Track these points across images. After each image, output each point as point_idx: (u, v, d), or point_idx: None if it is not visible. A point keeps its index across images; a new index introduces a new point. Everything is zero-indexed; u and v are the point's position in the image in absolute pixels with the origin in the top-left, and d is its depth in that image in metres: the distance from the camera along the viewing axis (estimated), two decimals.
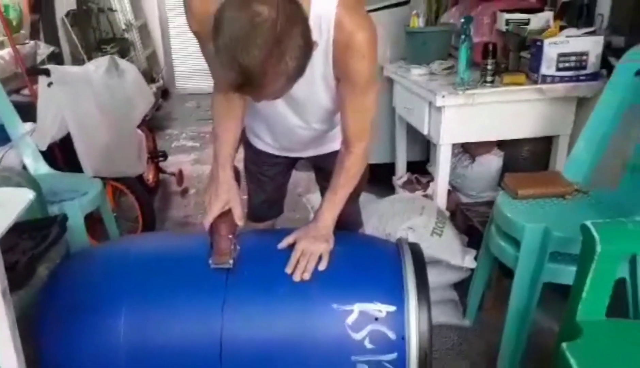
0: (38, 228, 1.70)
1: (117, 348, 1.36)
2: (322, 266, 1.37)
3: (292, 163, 1.74)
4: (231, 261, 1.37)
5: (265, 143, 1.63)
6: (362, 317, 1.35)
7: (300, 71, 1.01)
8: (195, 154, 4.31)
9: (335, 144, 1.52)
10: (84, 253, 1.70)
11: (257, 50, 0.92)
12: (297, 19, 0.97)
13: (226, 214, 1.42)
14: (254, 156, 1.70)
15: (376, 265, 1.49)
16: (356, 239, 1.68)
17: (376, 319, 1.35)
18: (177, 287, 1.41)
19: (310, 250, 1.37)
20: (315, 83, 1.27)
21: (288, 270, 1.37)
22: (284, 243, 1.43)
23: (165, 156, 3.43)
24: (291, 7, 0.96)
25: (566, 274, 1.53)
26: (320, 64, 1.21)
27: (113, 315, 1.37)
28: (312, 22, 1.06)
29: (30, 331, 1.38)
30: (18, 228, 1.65)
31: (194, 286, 1.41)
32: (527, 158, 2.42)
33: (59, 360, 1.41)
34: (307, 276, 1.35)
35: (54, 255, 1.71)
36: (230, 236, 1.39)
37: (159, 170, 3.47)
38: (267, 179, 1.73)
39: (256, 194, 1.77)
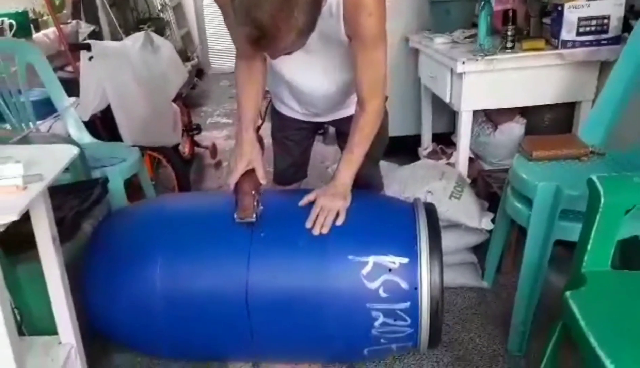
0: (82, 189, 1.86)
1: (153, 295, 1.50)
2: (340, 222, 1.48)
3: (315, 128, 1.84)
4: (254, 216, 1.48)
5: (290, 109, 1.73)
6: (376, 268, 1.45)
7: (310, 25, 1.10)
8: (228, 130, 4.45)
9: (353, 109, 1.58)
10: (123, 211, 1.86)
11: (268, 5, 1.01)
12: None
13: (250, 173, 1.53)
14: (279, 122, 1.80)
15: (391, 220, 1.58)
16: (373, 197, 1.77)
17: (390, 270, 1.45)
18: (207, 241, 1.54)
19: (329, 206, 1.47)
20: (331, 42, 1.36)
21: (308, 225, 1.48)
22: (304, 201, 1.54)
23: (199, 129, 3.58)
24: None
25: (577, 231, 1.56)
26: (333, 23, 1.30)
27: (149, 265, 1.51)
28: None
29: (76, 281, 1.53)
30: (65, 189, 1.82)
31: (221, 240, 1.54)
32: (550, 126, 2.43)
33: (102, 307, 1.57)
34: (325, 230, 1.46)
35: (97, 212, 1.88)
36: (254, 192, 1.51)
37: (194, 143, 3.63)
38: (292, 143, 1.83)
39: (283, 159, 1.88)
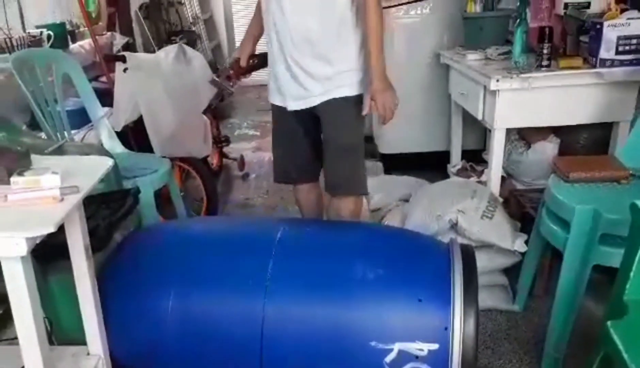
0: (115, 199, 1.87)
1: (165, 327, 1.47)
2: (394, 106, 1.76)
3: (304, 121, 1.87)
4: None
5: (272, 93, 1.89)
6: (402, 356, 1.33)
7: None
8: (256, 142, 4.48)
9: (338, 91, 1.74)
10: (145, 234, 1.84)
11: None
12: None
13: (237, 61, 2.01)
14: (273, 115, 1.96)
15: (421, 290, 1.41)
16: (402, 247, 1.62)
17: (417, 357, 1.34)
18: (222, 282, 1.50)
19: (387, 103, 1.74)
20: None
21: (381, 122, 1.81)
22: (366, 109, 1.80)
23: (228, 141, 3.61)
24: None
25: (616, 257, 1.51)
26: None
27: (163, 297, 1.48)
28: None
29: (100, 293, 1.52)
30: (98, 198, 1.84)
31: (236, 292, 1.47)
32: (585, 146, 2.38)
33: (115, 331, 1.52)
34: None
35: (128, 223, 1.89)
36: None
37: (222, 155, 3.65)
38: (285, 138, 1.94)
39: (278, 154, 2.00)
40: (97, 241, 1.57)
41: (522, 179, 2.59)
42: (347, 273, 1.45)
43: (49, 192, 1.08)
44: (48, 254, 1.46)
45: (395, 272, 1.46)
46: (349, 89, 1.77)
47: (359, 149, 1.85)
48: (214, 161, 3.51)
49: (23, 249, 0.99)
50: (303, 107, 1.81)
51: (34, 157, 1.35)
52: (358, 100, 1.80)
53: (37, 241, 1.02)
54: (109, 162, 1.32)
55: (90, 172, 1.24)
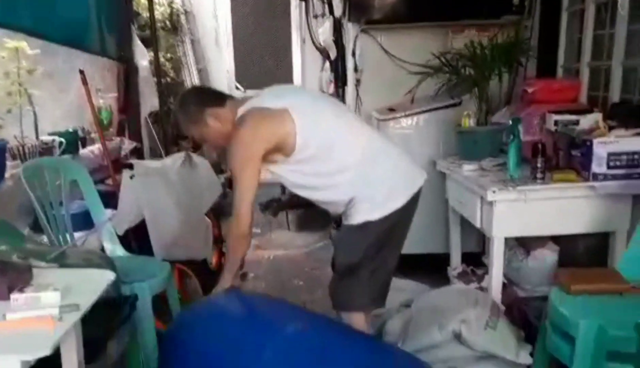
0: (112, 306, 1.85)
1: None
2: None
3: None
4: None
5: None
6: None
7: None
8: (256, 240, 4.47)
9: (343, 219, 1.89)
10: None
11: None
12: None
13: None
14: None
15: None
16: None
17: None
18: None
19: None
20: None
21: None
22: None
23: None
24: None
25: None
26: None
27: None
28: None
29: None
30: (94, 305, 1.82)
31: None
32: (584, 253, 2.39)
33: None
34: None
35: (122, 332, 1.85)
36: None
37: (222, 254, 3.64)
38: None
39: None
40: (90, 352, 1.54)
41: (523, 286, 2.56)
42: None
43: (48, 311, 1.07)
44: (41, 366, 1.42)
45: None
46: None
47: (345, 273, 1.91)
48: (213, 260, 3.49)
49: None
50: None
51: (35, 270, 1.36)
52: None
53: (32, 364, 1.00)
54: (110, 276, 1.33)
55: (91, 287, 1.25)
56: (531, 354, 1.97)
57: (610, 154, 2.02)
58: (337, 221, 3.99)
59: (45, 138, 2.68)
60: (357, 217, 1.82)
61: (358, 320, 1.90)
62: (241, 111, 1.82)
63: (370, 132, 1.97)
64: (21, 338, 1.02)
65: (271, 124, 1.77)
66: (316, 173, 1.84)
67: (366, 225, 1.81)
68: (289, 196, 2.18)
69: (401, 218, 1.86)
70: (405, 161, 1.94)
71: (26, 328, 1.05)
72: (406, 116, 2.93)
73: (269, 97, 1.86)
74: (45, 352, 0.97)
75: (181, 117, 1.91)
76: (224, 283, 1.91)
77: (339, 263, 1.91)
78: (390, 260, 1.93)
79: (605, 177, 2.05)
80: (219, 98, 1.90)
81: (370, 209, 1.81)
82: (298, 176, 1.86)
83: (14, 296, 1.14)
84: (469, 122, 2.62)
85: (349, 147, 1.84)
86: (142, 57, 3.69)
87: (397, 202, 1.83)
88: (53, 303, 1.09)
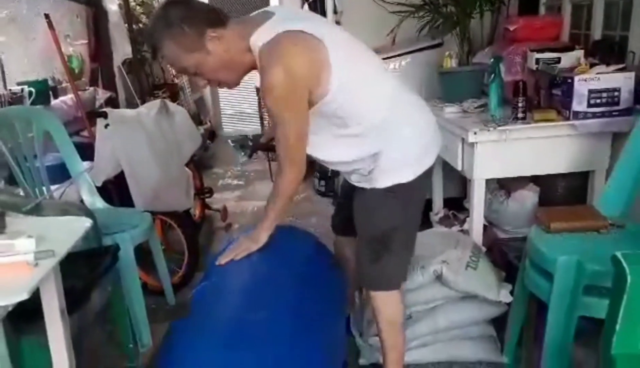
0: (93, 257, 1.84)
1: None
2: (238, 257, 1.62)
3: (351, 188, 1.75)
4: None
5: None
6: None
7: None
8: (240, 192, 4.47)
9: (351, 176, 1.67)
10: None
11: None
12: None
13: None
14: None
15: None
16: None
17: None
18: None
19: (240, 247, 1.65)
20: None
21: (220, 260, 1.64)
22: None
23: (211, 192, 3.59)
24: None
25: (602, 307, 1.50)
26: None
27: None
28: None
29: None
30: (75, 257, 1.80)
31: None
32: (563, 194, 2.41)
33: None
34: (223, 261, 1.63)
35: (105, 282, 1.85)
36: None
37: (204, 206, 3.62)
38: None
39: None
40: (73, 302, 1.53)
41: (504, 227, 2.60)
42: None
43: (23, 257, 1.05)
44: (22, 315, 1.41)
45: None
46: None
47: (377, 247, 1.66)
48: (196, 212, 3.48)
49: None
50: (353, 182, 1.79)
51: (10, 217, 1.33)
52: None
53: (10, 309, 0.98)
54: (86, 223, 1.30)
55: (67, 234, 1.22)
56: (512, 293, 2.02)
57: (590, 92, 2.01)
58: (320, 173, 3.99)
59: (13, 88, 2.58)
60: (385, 179, 1.56)
61: (396, 299, 1.72)
62: (263, 33, 1.39)
63: (394, 78, 1.66)
64: None
65: (315, 53, 1.38)
66: (338, 123, 1.52)
67: (396, 188, 1.56)
68: (268, 136, 1.96)
69: (429, 175, 1.67)
70: (430, 112, 1.68)
71: (1, 274, 1.03)
72: (387, 58, 2.86)
73: (296, 19, 1.44)
74: (22, 296, 0.95)
75: (168, 43, 1.38)
76: (266, 228, 1.64)
77: (367, 235, 1.65)
78: (419, 221, 1.74)
79: (586, 115, 2.05)
80: (218, 17, 1.42)
81: (400, 168, 1.56)
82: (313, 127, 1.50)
83: None
84: (450, 63, 2.58)
85: (379, 95, 1.54)
86: (111, 1, 3.52)
87: (430, 158, 1.61)
88: (28, 249, 1.06)
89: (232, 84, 1.54)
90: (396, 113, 1.54)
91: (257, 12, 1.53)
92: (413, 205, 1.65)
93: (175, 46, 1.39)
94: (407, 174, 1.56)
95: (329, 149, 1.59)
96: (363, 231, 1.66)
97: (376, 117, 1.52)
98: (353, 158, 1.58)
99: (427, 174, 1.62)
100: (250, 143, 1.97)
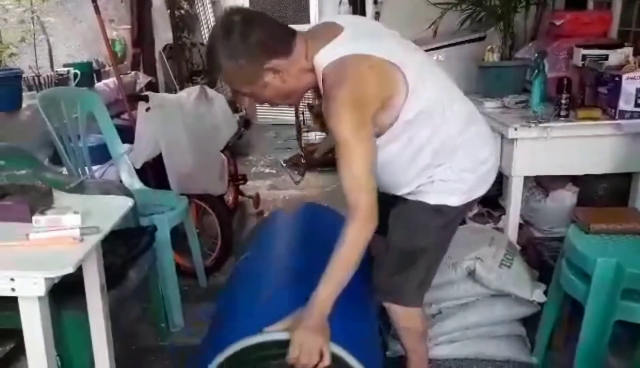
0: (131, 236, 1.89)
1: None
2: (323, 364, 1.23)
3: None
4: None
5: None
6: None
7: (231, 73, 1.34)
8: (272, 180, 4.51)
9: (398, 191, 1.53)
10: None
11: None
12: None
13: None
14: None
15: None
16: None
17: None
18: None
19: (309, 346, 1.22)
20: None
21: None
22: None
23: (245, 179, 3.64)
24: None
25: None
26: None
27: None
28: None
29: None
30: (114, 235, 1.85)
31: None
32: (604, 195, 2.35)
33: None
34: None
35: (143, 261, 1.90)
36: None
37: (238, 193, 3.67)
38: None
39: None
40: (112, 278, 1.59)
41: (540, 227, 2.55)
42: None
43: (70, 232, 1.09)
44: (64, 290, 1.47)
45: None
46: None
47: (407, 258, 1.56)
48: (230, 198, 3.53)
49: (41, 289, 1.00)
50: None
51: (56, 194, 1.38)
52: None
53: (56, 281, 1.03)
54: (129, 202, 1.34)
55: (110, 212, 1.26)
56: (545, 293, 1.98)
57: (639, 90, 1.95)
58: None
59: (60, 69, 2.66)
60: (435, 196, 1.47)
61: (411, 315, 1.62)
62: (329, 53, 1.31)
63: (469, 102, 1.56)
64: (44, 258, 1.04)
65: (383, 78, 1.30)
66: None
67: (443, 208, 1.48)
68: (322, 151, 1.87)
69: (471, 207, 1.57)
70: (494, 145, 1.58)
71: (49, 248, 1.07)
72: (427, 51, 2.82)
73: (363, 40, 1.35)
74: (69, 269, 0.99)
75: (225, 72, 1.31)
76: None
77: (398, 245, 1.54)
78: (447, 249, 1.64)
79: (632, 115, 1.99)
80: (284, 40, 1.31)
81: (452, 191, 1.47)
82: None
83: (36, 217, 1.16)
84: (492, 57, 2.53)
85: (451, 118, 1.44)
86: None
87: (482, 189, 1.53)
88: (74, 225, 1.10)
89: (287, 105, 1.49)
90: (465, 139, 1.47)
91: (324, 22, 1.46)
92: (450, 231, 1.59)
93: (232, 76, 1.34)
94: (457, 199, 1.49)
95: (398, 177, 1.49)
96: (395, 240, 1.54)
97: (448, 138, 1.44)
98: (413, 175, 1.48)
99: (472, 204, 1.57)
100: (303, 161, 1.85)
